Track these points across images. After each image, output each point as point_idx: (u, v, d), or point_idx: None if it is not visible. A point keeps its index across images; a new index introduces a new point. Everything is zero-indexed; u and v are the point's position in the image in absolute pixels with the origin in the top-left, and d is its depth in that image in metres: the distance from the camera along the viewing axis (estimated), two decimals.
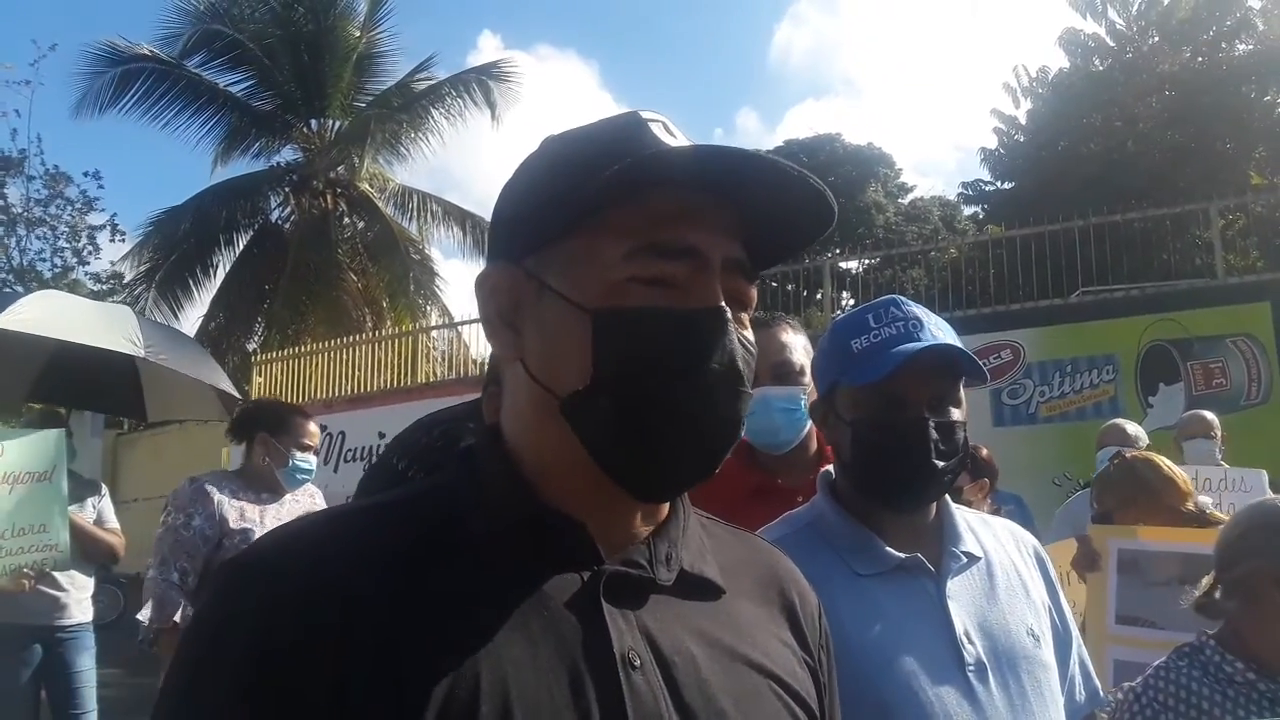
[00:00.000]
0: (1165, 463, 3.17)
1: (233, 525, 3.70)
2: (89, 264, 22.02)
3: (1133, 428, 4.79)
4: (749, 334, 0.84)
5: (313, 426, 4.04)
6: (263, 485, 3.92)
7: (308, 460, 3.93)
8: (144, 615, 3.69)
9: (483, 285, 0.88)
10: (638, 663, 0.77)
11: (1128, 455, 3.39)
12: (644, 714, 0.75)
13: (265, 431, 3.92)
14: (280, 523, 3.74)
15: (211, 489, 3.78)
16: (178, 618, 3.55)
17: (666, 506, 0.88)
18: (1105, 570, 2.95)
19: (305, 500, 4.03)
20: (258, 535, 3.59)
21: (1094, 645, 2.74)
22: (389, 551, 0.78)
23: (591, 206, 0.79)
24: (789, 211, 0.84)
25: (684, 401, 0.78)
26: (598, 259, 0.80)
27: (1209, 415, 4.95)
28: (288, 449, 3.87)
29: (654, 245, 0.79)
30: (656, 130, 0.84)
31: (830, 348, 1.61)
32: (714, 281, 0.81)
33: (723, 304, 0.80)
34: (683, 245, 0.79)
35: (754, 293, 0.86)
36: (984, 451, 4.84)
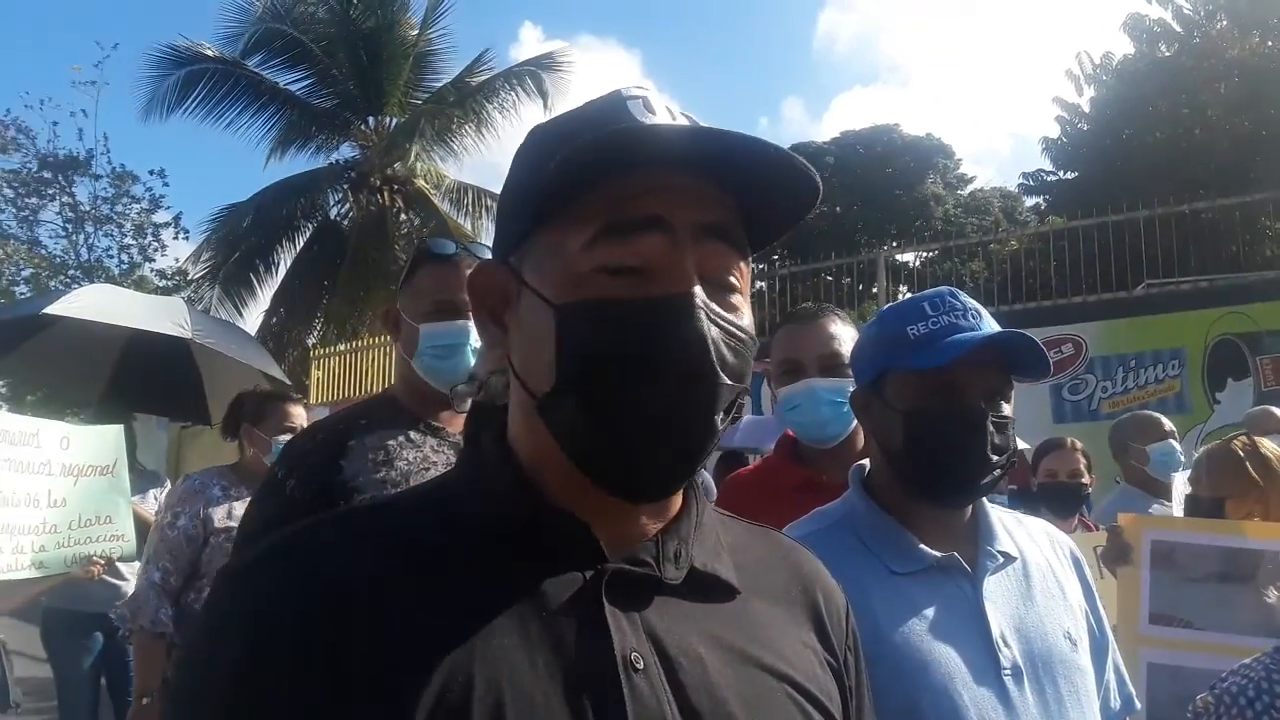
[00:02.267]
0: None
1: (218, 524, 3.67)
2: (154, 260, 22.52)
3: (1152, 417, 4.47)
4: (736, 318, 0.79)
5: (296, 409, 3.97)
6: (255, 478, 3.77)
7: None
8: (118, 612, 3.72)
9: (472, 283, 0.87)
10: (640, 665, 0.75)
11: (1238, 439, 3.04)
12: (646, 718, 0.73)
13: (247, 422, 3.90)
14: None
15: (202, 488, 3.76)
16: (145, 622, 3.53)
17: (678, 502, 0.85)
18: (1138, 564, 2.69)
19: None
20: None
21: (1125, 647, 2.47)
22: (385, 553, 0.77)
23: (545, 196, 0.76)
24: (768, 186, 0.79)
25: (649, 398, 0.74)
26: (563, 250, 0.77)
27: (1279, 411, 4.80)
28: (270, 436, 3.81)
29: (612, 225, 0.75)
30: (634, 108, 0.81)
31: (880, 334, 1.56)
32: (685, 259, 0.76)
33: (693, 289, 0.76)
34: (641, 215, 0.75)
35: (746, 269, 0.81)
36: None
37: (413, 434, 2.08)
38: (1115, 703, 1.59)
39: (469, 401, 1.77)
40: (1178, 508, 3.20)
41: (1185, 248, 10.34)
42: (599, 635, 0.75)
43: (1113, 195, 12.09)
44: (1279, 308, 8.25)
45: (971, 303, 1.53)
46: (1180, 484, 3.29)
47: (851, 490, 1.61)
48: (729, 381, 0.77)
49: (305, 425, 3.90)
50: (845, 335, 2.23)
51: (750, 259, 0.83)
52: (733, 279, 0.80)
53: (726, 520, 0.94)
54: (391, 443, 2.03)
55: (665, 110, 0.82)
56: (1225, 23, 20.05)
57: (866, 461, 1.65)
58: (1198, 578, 2.61)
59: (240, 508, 3.72)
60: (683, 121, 0.81)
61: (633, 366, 0.74)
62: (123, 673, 4.84)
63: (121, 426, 4.64)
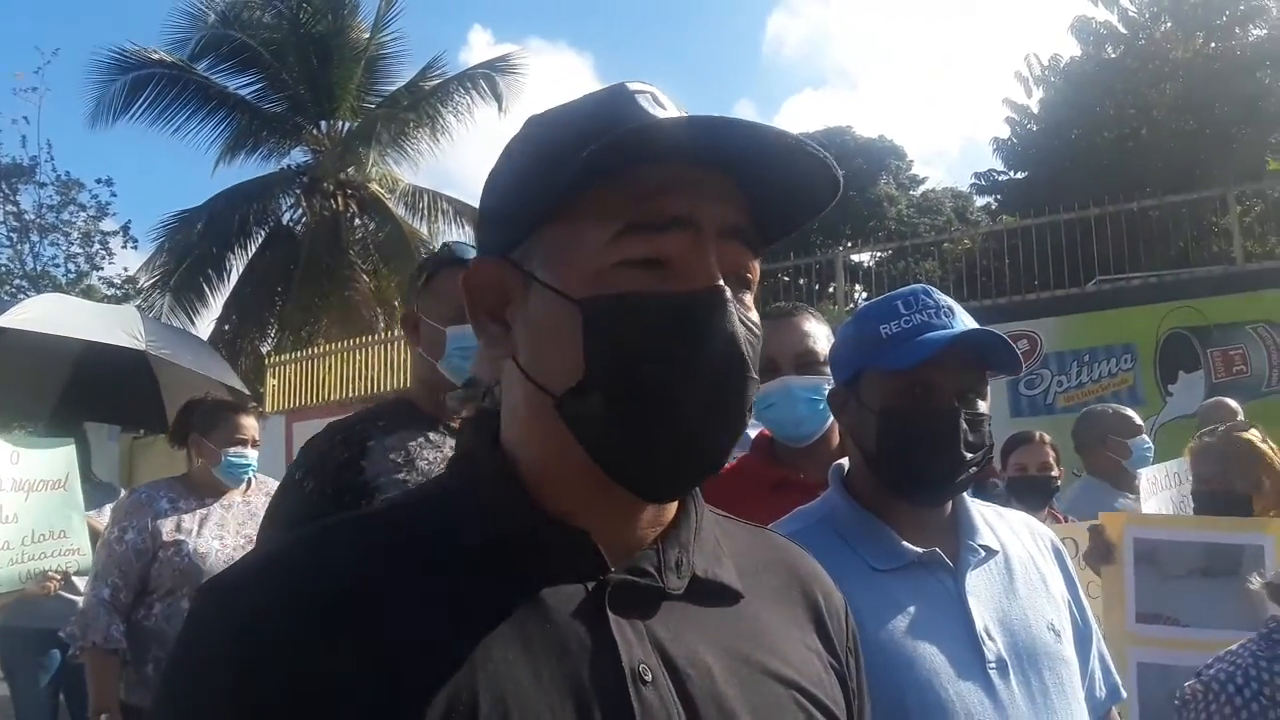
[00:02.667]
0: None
1: (166, 538, 3.54)
2: (102, 269, 22.12)
3: (1120, 410, 4.56)
4: (753, 315, 0.78)
5: (247, 419, 3.85)
6: (205, 489, 3.75)
7: (242, 455, 3.72)
8: (67, 630, 3.59)
9: (468, 280, 0.83)
10: (649, 677, 0.72)
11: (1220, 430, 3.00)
12: None
13: (196, 432, 3.77)
14: (224, 525, 3.68)
15: (149, 500, 3.64)
16: (97, 639, 3.43)
17: (675, 506, 0.83)
18: (1121, 562, 2.65)
19: (259, 498, 3.82)
20: (191, 545, 3.51)
21: (1113, 647, 2.48)
22: (378, 565, 0.74)
23: (571, 189, 0.73)
24: (789, 182, 0.77)
25: (683, 393, 0.72)
26: (583, 244, 0.75)
27: (1233, 403, 4.89)
28: (220, 446, 3.69)
29: (640, 222, 0.73)
30: (644, 102, 0.79)
31: (856, 334, 1.56)
32: (709, 256, 0.75)
33: (721, 283, 0.74)
34: (668, 215, 0.74)
35: (757, 267, 0.80)
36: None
37: (432, 435, 2.09)
38: (1100, 692, 1.59)
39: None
40: (1145, 502, 3.21)
41: (1135, 245, 10.51)
42: (605, 647, 0.73)
43: (1063, 194, 12.27)
44: (1227, 302, 8.43)
45: (945, 300, 1.53)
46: (1147, 478, 3.32)
47: (832, 488, 1.61)
48: (755, 376, 0.76)
49: (257, 436, 3.83)
50: (820, 333, 2.23)
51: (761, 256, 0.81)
52: (748, 276, 0.79)
53: (723, 520, 0.91)
54: (412, 444, 2.05)
55: (674, 106, 0.80)
56: (1169, 25, 20.43)
57: (846, 460, 1.64)
58: (1181, 574, 2.59)
59: (189, 520, 3.63)
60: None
61: (666, 362, 0.72)
62: (81, 690, 4.72)
63: (73, 441, 4.55)
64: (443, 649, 0.69)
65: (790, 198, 0.79)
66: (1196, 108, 18.75)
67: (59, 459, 4.40)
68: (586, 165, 0.71)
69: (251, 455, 3.77)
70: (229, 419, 3.79)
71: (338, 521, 0.82)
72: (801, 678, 0.81)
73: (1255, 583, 1.88)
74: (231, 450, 3.69)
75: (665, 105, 0.79)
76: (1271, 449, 2.81)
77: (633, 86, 0.80)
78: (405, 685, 0.68)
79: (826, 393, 2.14)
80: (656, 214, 0.74)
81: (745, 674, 0.78)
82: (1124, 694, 1.68)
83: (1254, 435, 2.90)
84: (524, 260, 0.79)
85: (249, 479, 3.82)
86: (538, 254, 0.78)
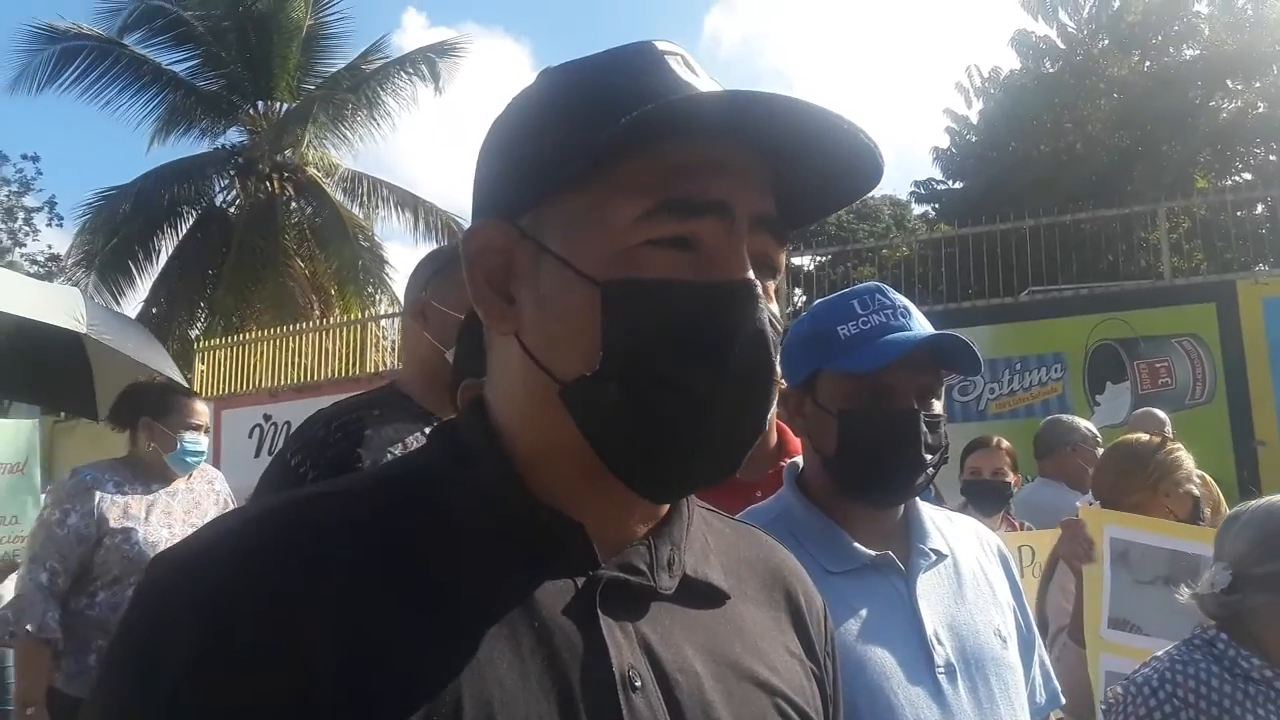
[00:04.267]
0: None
1: (113, 524, 3.41)
2: (25, 246, 21.45)
3: (1084, 423, 4.75)
4: (775, 308, 0.72)
5: (200, 405, 3.73)
6: (152, 475, 3.61)
7: (197, 441, 3.60)
8: (4, 612, 3.45)
9: (469, 244, 0.75)
10: (638, 683, 0.68)
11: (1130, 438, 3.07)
12: None
13: (148, 416, 3.60)
14: (171, 512, 3.54)
15: (94, 483, 3.48)
16: (31, 627, 3.28)
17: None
18: (1100, 561, 2.58)
19: (202, 486, 3.72)
20: (141, 533, 3.39)
21: (1090, 652, 2.47)
22: (354, 546, 0.67)
23: (604, 157, 0.67)
24: (829, 166, 0.72)
25: (709, 390, 0.67)
26: (608, 220, 0.68)
27: (1161, 414, 4.98)
28: (175, 431, 3.56)
29: (673, 202, 0.67)
30: (675, 65, 0.73)
31: (811, 333, 1.53)
32: (741, 245, 0.69)
33: (753, 276, 0.69)
34: (707, 199, 0.68)
35: (782, 258, 0.75)
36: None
37: (427, 428, 2.04)
38: (1040, 697, 1.61)
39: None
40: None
41: (1067, 256, 10.73)
42: (595, 649, 0.68)
43: (999, 205, 12.50)
44: (1154, 315, 8.61)
45: (900, 300, 1.53)
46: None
47: (786, 489, 1.59)
48: (780, 380, 0.72)
49: (209, 423, 3.72)
50: None
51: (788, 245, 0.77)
52: (774, 264, 0.74)
53: (709, 516, 0.87)
54: (409, 437, 2.00)
55: (704, 73, 0.74)
56: (1107, 42, 20.94)
57: (800, 459, 1.63)
58: (1147, 580, 2.56)
59: (136, 506, 3.49)
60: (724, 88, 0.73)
61: (694, 354, 0.67)
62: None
63: (36, 422, 4.40)
64: (426, 642, 0.65)
65: (827, 183, 0.75)
66: (1130, 124, 19.24)
67: (21, 439, 4.29)
68: (626, 133, 0.65)
69: (204, 442, 3.66)
70: (182, 403, 3.68)
71: (306, 494, 0.75)
72: (785, 685, 0.79)
73: (1184, 594, 1.91)
74: (187, 436, 3.57)
75: (697, 71, 0.74)
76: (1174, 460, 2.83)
77: (661, 46, 0.75)
78: (381, 681, 0.62)
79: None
80: (698, 194, 0.68)
81: (731, 680, 0.74)
82: (1063, 700, 1.70)
83: (1151, 440, 2.94)
84: (536, 230, 0.72)
85: None
86: (553, 224, 0.71)
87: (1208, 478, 4.48)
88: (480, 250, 0.75)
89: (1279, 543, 1.81)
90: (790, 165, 0.72)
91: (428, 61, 18.23)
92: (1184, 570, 2.33)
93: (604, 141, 0.66)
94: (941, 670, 1.39)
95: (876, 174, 0.73)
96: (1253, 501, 1.95)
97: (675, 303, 0.68)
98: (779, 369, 0.71)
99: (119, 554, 3.38)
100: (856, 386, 1.46)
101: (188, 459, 3.61)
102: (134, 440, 3.69)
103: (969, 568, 1.54)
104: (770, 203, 0.73)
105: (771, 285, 0.73)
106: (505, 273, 0.74)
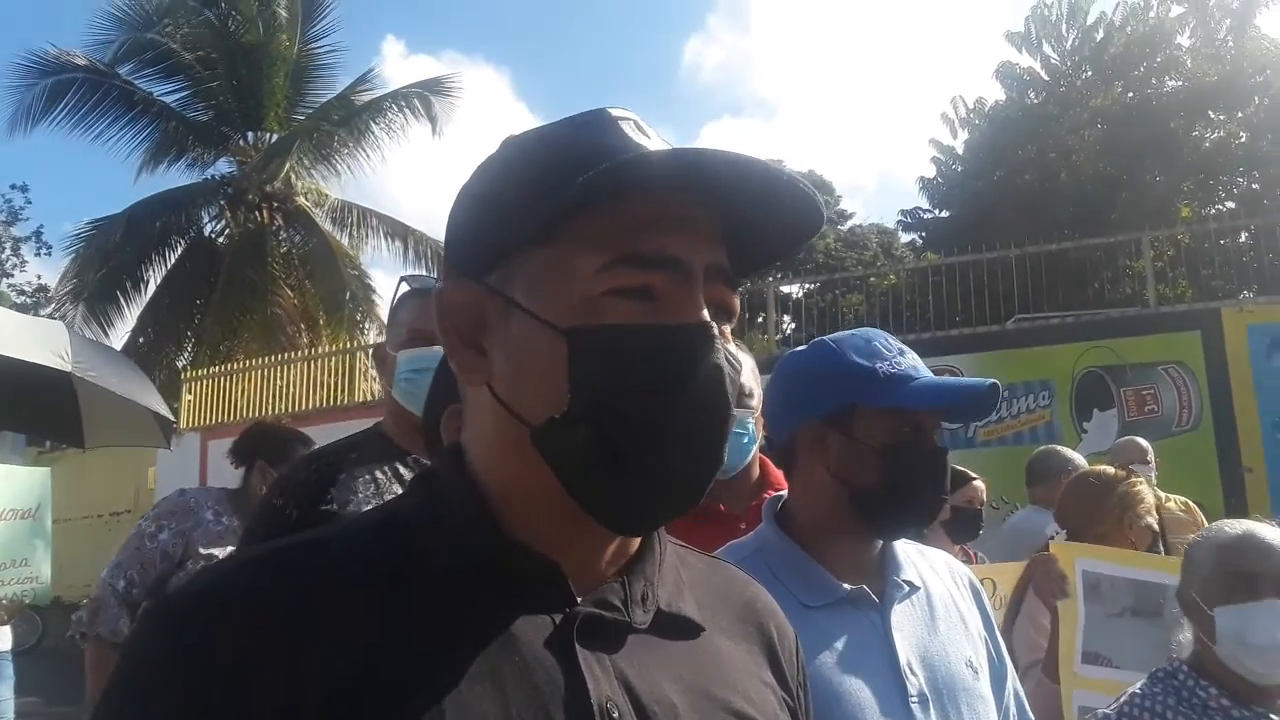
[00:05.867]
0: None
1: (201, 550, 3.46)
2: (12, 276, 21.42)
3: (1079, 456, 4.77)
4: (733, 348, 0.77)
5: None
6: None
7: None
8: (76, 614, 3.51)
9: (440, 302, 0.80)
10: (616, 714, 0.71)
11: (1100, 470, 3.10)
12: None
13: (264, 460, 3.70)
14: None
15: (195, 506, 3.57)
16: (107, 630, 3.35)
17: (640, 538, 0.81)
18: (1075, 595, 2.56)
19: None
20: None
21: (1064, 688, 2.45)
22: (339, 590, 0.71)
23: (564, 214, 0.72)
24: (773, 215, 0.77)
25: (670, 427, 0.71)
26: (572, 272, 0.73)
27: (1143, 442, 5.00)
28: None
29: (631, 256, 0.72)
30: (628, 129, 0.77)
31: (842, 370, 1.54)
32: (697, 292, 0.74)
33: (709, 319, 0.74)
34: (663, 255, 0.73)
35: (736, 302, 0.79)
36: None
37: (401, 468, 2.13)
38: None
39: None
40: None
41: (1053, 284, 10.80)
42: (574, 683, 0.71)
43: (985, 233, 12.59)
44: (1140, 343, 8.69)
45: (897, 342, 1.60)
46: None
47: (765, 524, 1.61)
48: (735, 415, 0.76)
49: None
50: (747, 366, 2.21)
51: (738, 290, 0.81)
52: (728, 308, 0.78)
53: (683, 552, 0.90)
54: (380, 475, 2.08)
55: (655, 135, 0.79)
56: (1090, 74, 21.21)
57: (784, 493, 1.65)
58: (1116, 612, 2.57)
59: (227, 537, 3.54)
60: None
61: (654, 395, 0.71)
62: None
63: (49, 470, 4.45)
64: (407, 679, 0.67)
65: (774, 231, 0.79)
66: (1113, 153, 19.45)
67: (34, 487, 4.36)
68: (584, 191, 0.70)
69: None
70: (300, 454, 3.73)
71: (293, 542, 0.78)
72: (759, 714, 0.81)
73: (1173, 646, 1.94)
74: None
75: (648, 134, 0.78)
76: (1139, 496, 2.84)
77: (614, 112, 0.79)
78: (370, 714, 0.65)
79: (751, 425, 2.15)
80: (654, 250, 0.73)
81: (707, 710, 0.77)
82: None
83: (1115, 474, 2.96)
84: (503, 285, 0.76)
85: None
86: (520, 278, 0.76)
87: (1192, 505, 4.53)
88: (450, 307, 0.79)
89: (1234, 580, 1.84)
90: (739, 215, 0.76)
91: (421, 98, 18.30)
92: (1148, 601, 2.33)
93: (564, 199, 0.71)
94: (915, 700, 1.41)
95: (817, 220, 0.78)
96: (1211, 528, 1.98)
97: (636, 344, 0.71)
98: (733, 406, 0.75)
99: None
100: (896, 422, 1.50)
101: None
102: (246, 478, 3.78)
103: (941, 599, 1.56)
104: (722, 253, 0.77)
105: (727, 328, 0.77)
106: (475, 327, 0.78)
